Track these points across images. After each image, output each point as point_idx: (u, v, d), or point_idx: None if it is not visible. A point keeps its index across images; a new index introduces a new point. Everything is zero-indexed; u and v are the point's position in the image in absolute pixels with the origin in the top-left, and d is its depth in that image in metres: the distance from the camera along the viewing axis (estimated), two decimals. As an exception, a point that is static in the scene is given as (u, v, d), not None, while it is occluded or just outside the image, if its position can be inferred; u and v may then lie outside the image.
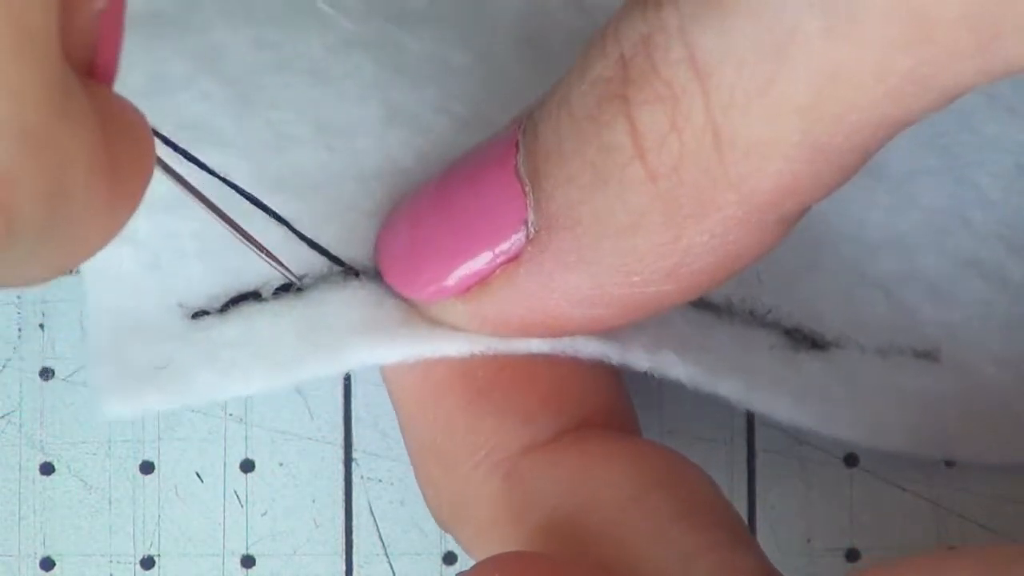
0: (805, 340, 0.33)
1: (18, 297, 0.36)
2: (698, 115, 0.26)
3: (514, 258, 0.29)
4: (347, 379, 0.36)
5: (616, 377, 0.32)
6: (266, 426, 0.36)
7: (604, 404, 0.32)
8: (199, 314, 0.31)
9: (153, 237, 0.31)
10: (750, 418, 0.36)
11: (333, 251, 0.31)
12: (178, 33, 0.32)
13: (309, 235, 0.31)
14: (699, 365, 0.31)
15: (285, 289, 0.31)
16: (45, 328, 0.36)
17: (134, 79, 0.31)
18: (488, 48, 0.33)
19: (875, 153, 0.26)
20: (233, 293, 0.31)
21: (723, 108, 0.26)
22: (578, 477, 0.30)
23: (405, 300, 0.31)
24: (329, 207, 0.31)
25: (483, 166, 0.29)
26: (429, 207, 0.30)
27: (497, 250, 0.29)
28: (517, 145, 0.29)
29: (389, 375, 0.32)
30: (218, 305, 0.31)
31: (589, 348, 0.31)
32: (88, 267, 0.31)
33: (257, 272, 0.31)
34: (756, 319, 0.32)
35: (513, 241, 0.29)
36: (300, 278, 0.31)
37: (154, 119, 0.31)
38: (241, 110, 0.32)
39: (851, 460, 0.36)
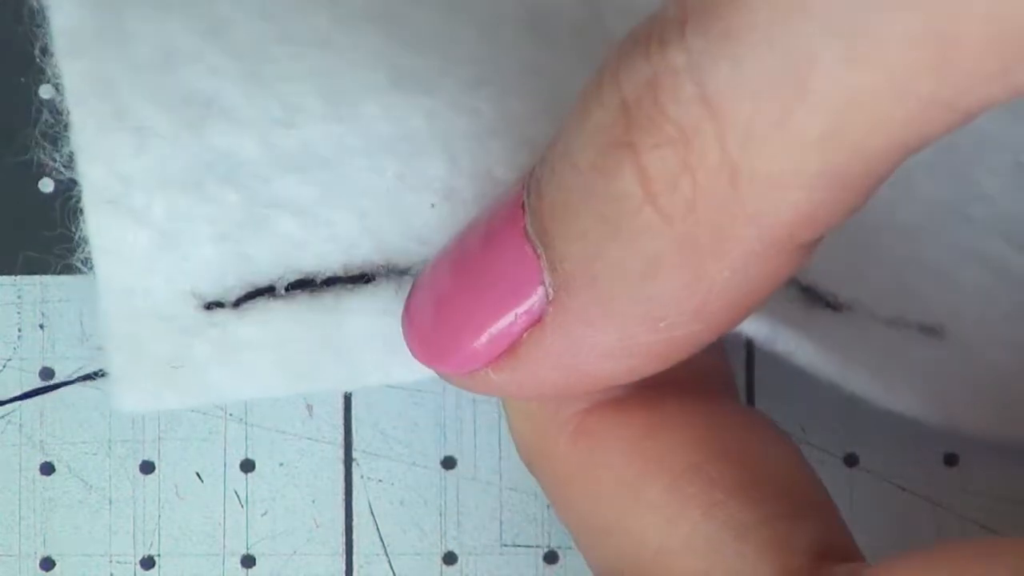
0: (819, 300, 0.33)
1: (18, 297, 0.36)
2: (712, 153, 0.25)
3: (538, 320, 0.28)
4: (347, 379, 0.36)
5: None
6: (266, 426, 0.36)
7: (684, 360, 0.31)
8: (212, 305, 0.31)
9: (167, 219, 0.31)
10: (750, 418, 0.36)
11: (345, 239, 0.31)
12: (183, 7, 0.32)
13: (321, 223, 0.31)
14: None
15: (299, 286, 0.31)
16: (45, 328, 0.36)
17: (143, 53, 0.31)
18: (494, 26, 0.33)
19: (891, 175, 0.26)
20: (248, 287, 0.31)
21: (739, 143, 0.25)
22: (643, 440, 0.30)
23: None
24: (340, 189, 0.31)
25: (493, 231, 0.29)
26: (446, 280, 0.29)
27: (518, 314, 0.28)
28: (524, 206, 0.28)
29: None
30: (232, 299, 0.31)
31: None
32: (97, 245, 0.31)
33: (272, 263, 0.31)
34: None
35: (533, 304, 0.28)
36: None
37: (163, 93, 0.31)
38: (250, 84, 0.31)
39: (851, 460, 0.36)
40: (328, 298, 0.31)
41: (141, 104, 0.31)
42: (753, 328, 0.31)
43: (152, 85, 0.31)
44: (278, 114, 0.31)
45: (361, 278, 0.31)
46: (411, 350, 0.30)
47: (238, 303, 0.31)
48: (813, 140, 0.25)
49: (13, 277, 0.36)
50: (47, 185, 0.36)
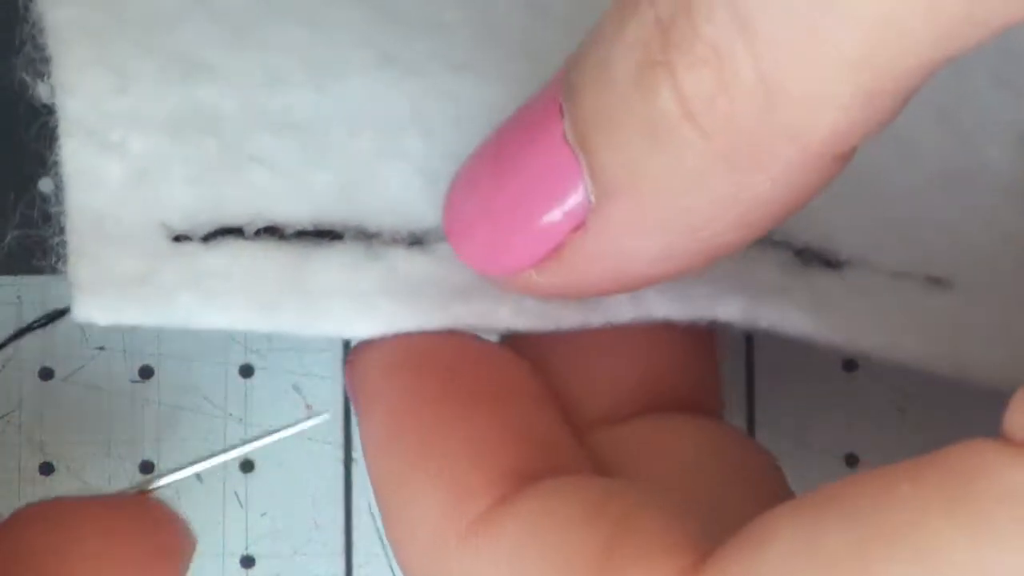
0: (816, 259, 0.33)
1: (18, 297, 0.36)
2: (747, 73, 0.26)
3: (581, 225, 0.29)
4: (347, 379, 0.36)
5: (707, 354, 0.32)
6: (266, 426, 0.36)
7: (691, 382, 0.32)
8: (181, 238, 0.31)
9: (143, 156, 0.31)
10: (751, 419, 0.36)
11: (319, 199, 0.31)
12: None
13: (296, 181, 0.31)
14: (690, 295, 0.31)
15: (268, 232, 0.31)
16: (45, 328, 0.36)
17: (131, 13, 0.32)
18: (486, 5, 0.33)
19: (921, 87, 0.26)
20: (217, 225, 0.31)
21: (773, 64, 0.26)
22: (647, 449, 0.30)
23: (383, 265, 0.31)
24: (317, 151, 0.32)
25: (530, 134, 0.29)
26: (487, 180, 0.30)
27: (563, 212, 0.29)
28: (561, 110, 0.28)
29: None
30: (201, 233, 0.31)
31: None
32: (70, 169, 0.31)
33: (243, 209, 0.31)
34: (766, 240, 0.32)
35: (575, 204, 0.28)
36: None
37: (149, 49, 0.31)
38: (233, 49, 0.32)
39: (851, 460, 0.36)
40: (297, 246, 0.31)
41: (126, 55, 0.32)
42: (726, 310, 0.31)
43: (138, 41, 0.32)
44: (261, 78, 0.32)
45: (329, 234, 0.31)
46: (456, 252, 0.30)
47: (206, 238, 0.31)
48: (846, 61, 0.25)
49: (13, 277, 0.36)
50: (47, 185, 0.36)
